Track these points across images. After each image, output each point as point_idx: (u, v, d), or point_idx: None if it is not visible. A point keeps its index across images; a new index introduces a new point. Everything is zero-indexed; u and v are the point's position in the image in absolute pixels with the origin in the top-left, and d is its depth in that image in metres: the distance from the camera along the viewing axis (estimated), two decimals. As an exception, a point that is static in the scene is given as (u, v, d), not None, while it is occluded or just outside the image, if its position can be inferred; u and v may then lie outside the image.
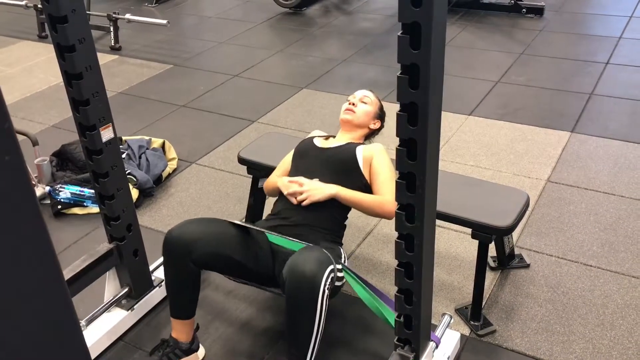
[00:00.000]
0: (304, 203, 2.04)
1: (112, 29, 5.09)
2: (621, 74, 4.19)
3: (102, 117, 1.89)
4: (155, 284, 2.31)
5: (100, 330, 2.13)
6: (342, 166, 2.14)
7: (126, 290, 2.22)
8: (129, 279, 2.20)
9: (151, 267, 2.32)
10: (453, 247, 2.59)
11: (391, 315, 1.82)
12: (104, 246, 2.15)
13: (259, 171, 2.55)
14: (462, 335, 2.12)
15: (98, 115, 1.87)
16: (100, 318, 2.16)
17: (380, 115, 2.36)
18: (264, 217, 2.23)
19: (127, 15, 4.99)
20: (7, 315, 0.61)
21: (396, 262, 1.60)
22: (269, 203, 2.60)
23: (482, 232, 2.06)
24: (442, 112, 1.46)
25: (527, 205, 2.17)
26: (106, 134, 1.92)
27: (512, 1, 5.40)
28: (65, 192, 2.95)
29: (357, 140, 2.28)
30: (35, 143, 3.06)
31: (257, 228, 2.05)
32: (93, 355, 2.09)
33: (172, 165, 3.30)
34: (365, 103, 2.31)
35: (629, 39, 4.77)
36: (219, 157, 3.42)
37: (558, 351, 2.07)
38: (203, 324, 2.21)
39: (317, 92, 4.18)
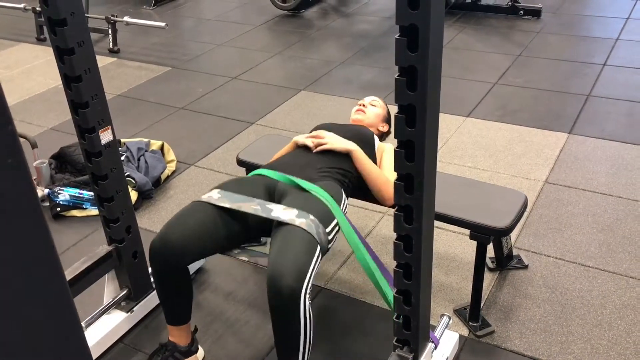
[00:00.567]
0: (320, 148, 2.07)
1: (110, 31, 5.09)
2: (618, 75, 4.21)
3: (101, 119, 1.89)
4: (154, 285, 2.31)
5: (99, 332, 2.13)
6: (361, 137, 2.22)
7: (125, 292, 2.22)
8: (128, 281, 2.21)
9: (150, 269, 2.32)
10: (451, 248, 2.60)
11: (389, 290, 1.80)
12: (103, 248, 2.15)
13: (257, 173, 2.55)
14: (461, 336, 2.13)
15: (97, 118, 1.88)
16: (100, 320, 2.16)
17: (389, 120, 2.48)
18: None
19: (126, 18, 5.00)
20: (9, 317, 0.61)
21: (395, 263, 1.61)
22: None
23: (481, 233, 2.07)
24: (440, 114, 1.47)
25: (525, 206, 2.18)
26: (105, 137, 1.92)
27: (510, 3, 5.41)
28: (64, 194, 2.96)
29: None
30: (34, 146, 3.06)
31: (236, 207, 1.89)
32: (93, 357, 2.09)
33: (171, 167, 3.30)
34: (374, 106, 2.45)
35: (626, 40, 4.79)
36: (217, 159, 3.42)
37: (556, 351, 2.07)
38: (202, 326, 2.21)
39: (315, 94, 4.19)
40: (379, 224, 2.77)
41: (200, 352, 2.09)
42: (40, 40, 5.46)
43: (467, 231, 2.11)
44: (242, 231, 1.94)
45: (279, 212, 1.83)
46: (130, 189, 2.71)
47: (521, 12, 5.38)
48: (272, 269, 1.68)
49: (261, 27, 5.65)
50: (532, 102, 3.88)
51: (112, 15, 5.04)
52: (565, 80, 4.18)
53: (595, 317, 2.21)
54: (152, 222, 2.88)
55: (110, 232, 2.12)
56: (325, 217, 1.82)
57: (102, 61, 4.84)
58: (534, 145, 3.37)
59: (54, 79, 4.58)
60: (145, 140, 3.39)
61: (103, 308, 2.17)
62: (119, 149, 2.89)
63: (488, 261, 2.43)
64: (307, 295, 1.68)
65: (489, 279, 2.40)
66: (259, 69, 4.69)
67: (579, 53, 4.65)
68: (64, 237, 2.78)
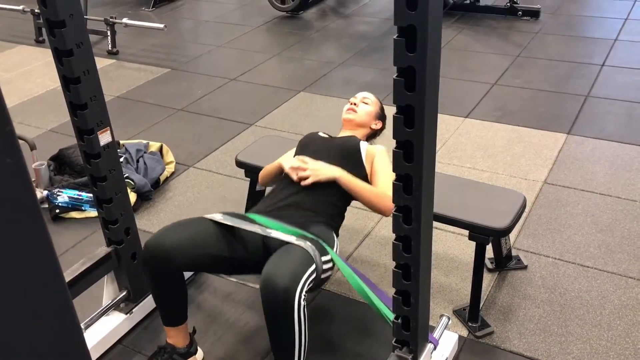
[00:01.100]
0: (306, 182, 2.02)
1: (109, 33, 5.09)
2: (617, 75, 4.21)
3: (100, 120, 1.89)
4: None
5: (98, 333, 2.13)
6: (346, 153, 2.15)
7: (124, 293, 2.22)
8: (127, 282, 2.21)
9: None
10: (451, 248, 2.60)
11: (382, 306, 1.81)
12: (102, 250, 2.15)
13: (256, 174, 2.55)
14: (460, 337, 2.13)
15: (96, 119, 1.88)
16: (99, 322, 2.16)
17: (382, 116, 2.40)
18: (260, 202, 2.19)
19: (125, 20, 5.00)
20: (8, 318, 0.61)
21: (394, 263, 1.61)
22: (267, 206, 2.61)
23: (480, 234, 2.07)
24: (439, 115, 1.47)
25: (524, 206, 2.18)
26: (104, 138, 1.92)
27: (509, 4, 5.42)
28: (63, 196, 2.95)
29: (360, 138, 2.30)
30: (33, 147, 3.06)
31: (238, 225, 1.94)
32: (92, 358, 2.09)
33: (170, 168, 3.30)
34: (366, 104, 2.35)
35: (625, 41, 4.79)
36: (216, 160, 3.42)
37: (556, 352, 2.07)
38: (201, 327, 2.21)
39: (314, 95, 4.19)
40: (377, 224, 2.77)
41: (200, 354, 2.09)
42: (39, 42, 5.46)
43: (466, 232, 2.11)
44: (237, 257, 1.94)
45: (278, 234, 1.88)
46: (129, 190, 2.72)
47: (520, 12, 5.39)
48: (267, 272, 1.69)
49: (260, 29, 5.65)
50: (530, 103, 3.88)
51: (111, 17, 5.04)
52: (563, 81, 4.18)
53: (594, 317, 2.21)
54: (151, 223, 2.88)
55: (109, 234, 2.12)
56: (321, 249, 1.85)
57: (101, 63, 4.84)
58: (533, 145, 3.37)
59: (52, 80, 4.58)
60: (144, 141, 3.39)
61: (102, 309, 2.17)
62: (118, 150, 2.89)
63: (487, 262, 2.43)
64: (302, 297, 1.68)
65: (488, 279, 2.40)
66: (258, 70, 4.69)
67: (578, 54, 4.66)
68: (63, 239, 2.78)
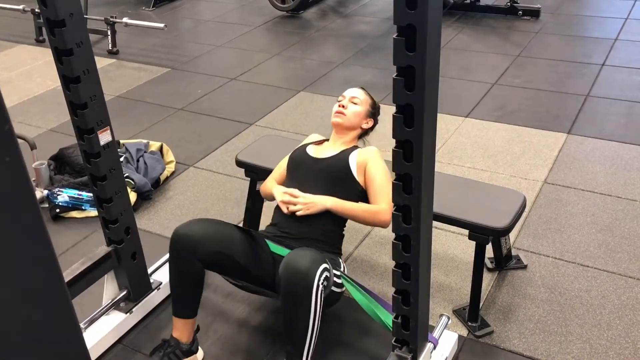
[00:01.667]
0: (298, 214, 2.05)
1: (109, 32, 5.09)
2: (617, 75, 4.21)
3: (100, 120, 1.90)
4: (153, 286, 2.31)
5: (98, 333, 2.13)
6: (336, 177, 2.14)
7: (125, 293, 2.22)
8: (127, 281, 2.21)
9: (149, 270, 2.32)
10: (450, 248, 2.60)
11: (389, 319, 1.83)
12: (102, 249, 2.15)
13: (256, 174, 2.56)
14: (460, 336, 2.13)
15: (96, 119, 1.88)
16: (99, 321, 2.16)
17: (373, 114, 2.30)
18: (265, 227, 2.24)
19: (125, 19, 5.00)
20: (7, 318, 0.61)
21: (394, 263, 1.61)
22: (267, 206, 2.61)
23: (479, 234, 2.07)
24: (439, 114, 1.47)
25: (524, 206, 2.18)
26: (104, 137, 1.92)
27: (509, 3, 5.42)
28: (63, 195, 2.96)
29: (350, 142, 2.26)
30: (33, 147, 3.06)
31: (261, 234, 2.09)
32: (92, 358, 2.09)
33: (170, 168, 3.30)
34: (355, 104, 2.26)
35: (625, 40, 4.79)
36: (216, 160, 3.43)
37: (555, 351, 2.07)
38: (202, 326, 2.21)
39: (314, 94, 4.19)
40: (378, 224, 2.77)
41: (200, 353, 2.09)
42: (39, 42, 5.46)
43: (466, 231, 2.11)
44: (254, 262, 2.00)
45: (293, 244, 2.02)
46: (129, 189, 2.72)
47: (520, 12, 5.38)
48: (288, 257, 1.79)
49: (260, 28, 5.65)
50: (530, 103, 3.88)
51: (111, 17, 5.04)
52: (564, 81, 4.18)
53: (594, 317, 2.21)
54: (151, 223, 2.88)
55: (109, 233, 2.12)
56: (332, 262, 1.94)
57: (101, 62, 4.84)
58: (533, 145, 3.37)
59: (53, 80, 4.58)
60: (145, 141, 3.40)
61: (102, 309, 2.17)
62: (118, 150, 2.89)
63: (487, 261, 2.43)
64: (321, 282, 1.75)
65: (487, 279, 2.40)
66: (258, 70, 4.69)
67: (578, 53, 4.66)
68: (63, 239, 2.78)
